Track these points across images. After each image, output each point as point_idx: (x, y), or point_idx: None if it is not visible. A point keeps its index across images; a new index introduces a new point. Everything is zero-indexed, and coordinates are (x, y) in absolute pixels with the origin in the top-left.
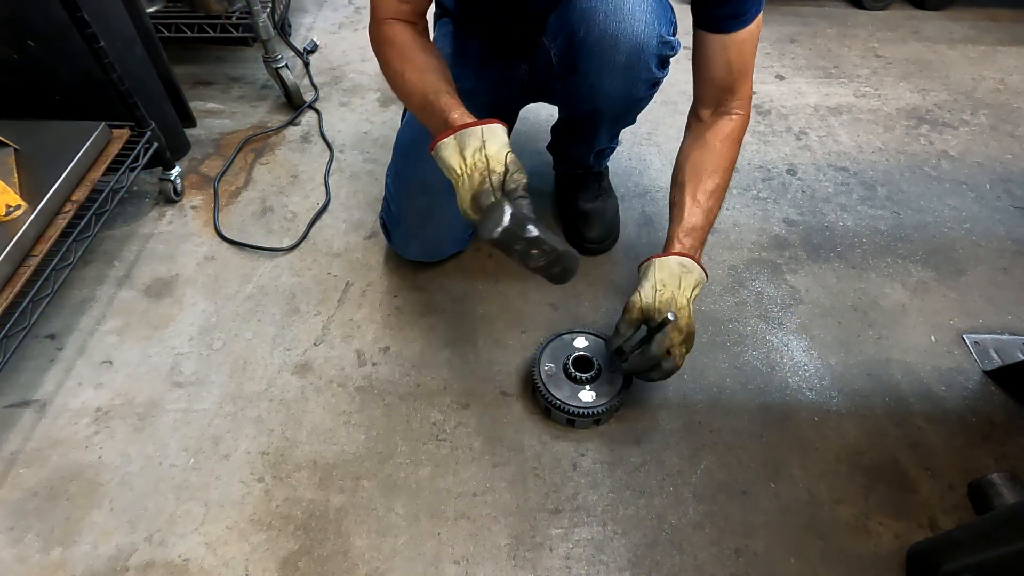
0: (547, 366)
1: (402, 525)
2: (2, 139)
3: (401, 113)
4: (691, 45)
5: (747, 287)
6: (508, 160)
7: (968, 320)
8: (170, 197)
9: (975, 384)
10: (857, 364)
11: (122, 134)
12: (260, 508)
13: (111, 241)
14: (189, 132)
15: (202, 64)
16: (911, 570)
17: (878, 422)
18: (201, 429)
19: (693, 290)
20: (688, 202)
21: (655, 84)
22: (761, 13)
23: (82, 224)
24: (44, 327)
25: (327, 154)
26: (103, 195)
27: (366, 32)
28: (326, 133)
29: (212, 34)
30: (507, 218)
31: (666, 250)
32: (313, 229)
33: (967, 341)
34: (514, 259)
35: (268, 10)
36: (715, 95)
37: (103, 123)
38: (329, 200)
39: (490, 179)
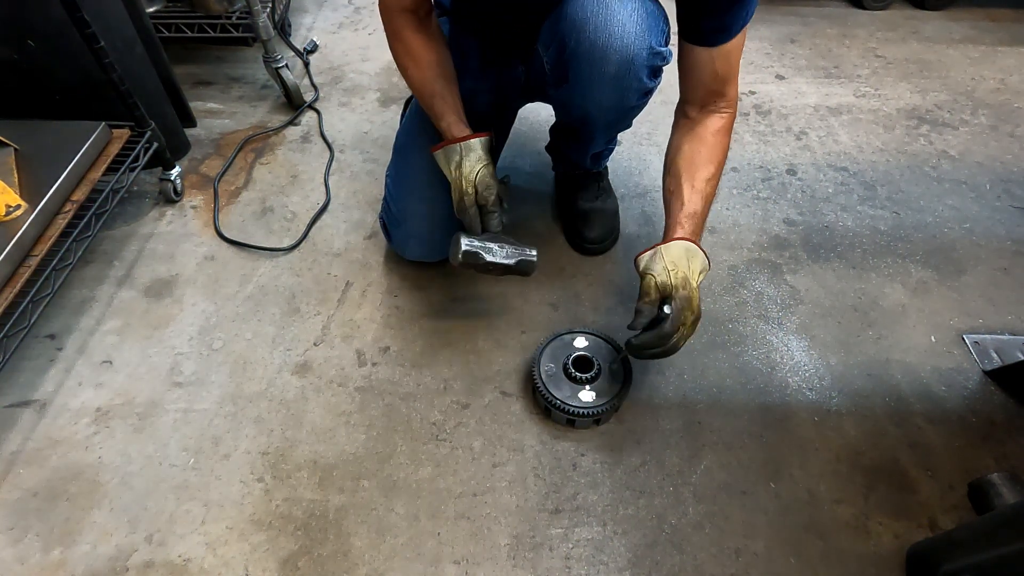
0: (547, 366)
1: (402, 525)
2: (2, 139)
3: (401, 113)
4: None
5: (747, 287)
6: (478, 179)
7: (968, 320)
8: (170, 197)
9: (975, 384)
10: (857, 364)
11: (122, 134)
12: (260, 508)
13: (111, 241)
14: (189, 132)
15: (202, 64)
16: (911, 570)
17: (878, 422)
18: (201, 429)
19: (700, 274)
20: (687, 189)
21: (647, 93)
22: (748, 24)
23: (82, 224)
24: (44, 327)
25: (327, 154)
26: (103, 195)
27: (366, 32)
28: (326, 133)
29: (212, 34)
30: (460, 255)
31: (668, 236)
32: (313, 229)
33: (967, 341)
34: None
35: (268, 10)
36: (702, 97)
37: (103, 123)
38: (329, 200)
39: (464, 197)
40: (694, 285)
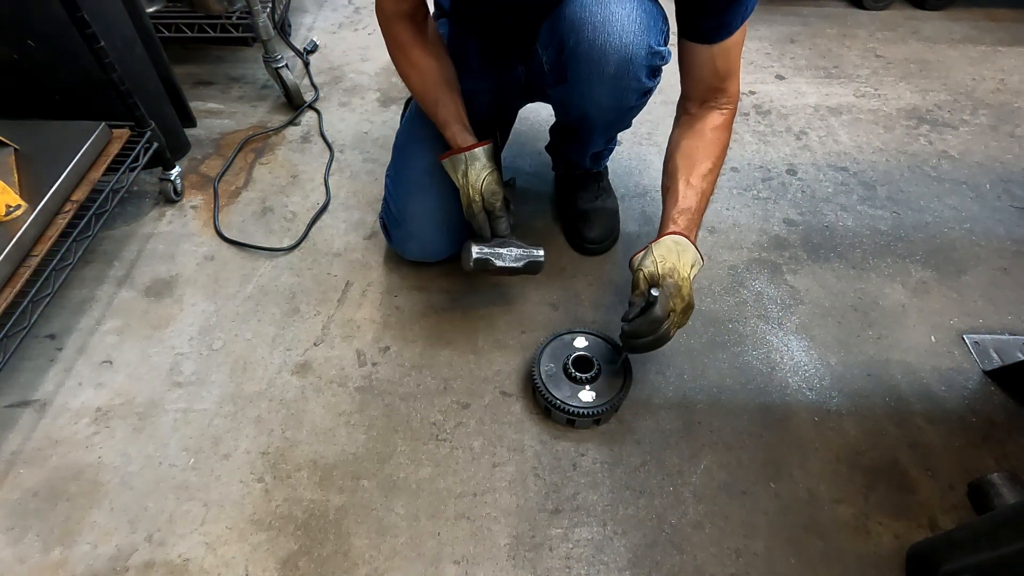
0: (547, 366)
1: (402, 525)
2: (2, 139)
3: (401, 113)
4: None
5: (747, 287)
6: (484, 186)
7: (968, 320)
8: (170, 197)
9: (975, 384)
10: (857, 364)
11: (122, 134)
12: (260, 508)
13: (111, 241)
14: (189, 132)
15: (202, 64)
16: (911, 570)
17: (878, 422)
18: (201, 429)
19: (692, 267)
20: (682, 186)
21: (646, 93)
22: (747, 20)
23: (82, 224)
24: (44, 327)
25: (327, 154)
26: (103, 195)
27: (366, 32)
28: (326, 133)
29: (212, 34)
30: (472, 263)
31: (660, 233)
32: (313, 229)
33: (967, 341)
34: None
35: (268, 10)
36: (703, 94)
37: (103, 123)
38: (329, 200)
39: (471, 204)
40: (683, 275)
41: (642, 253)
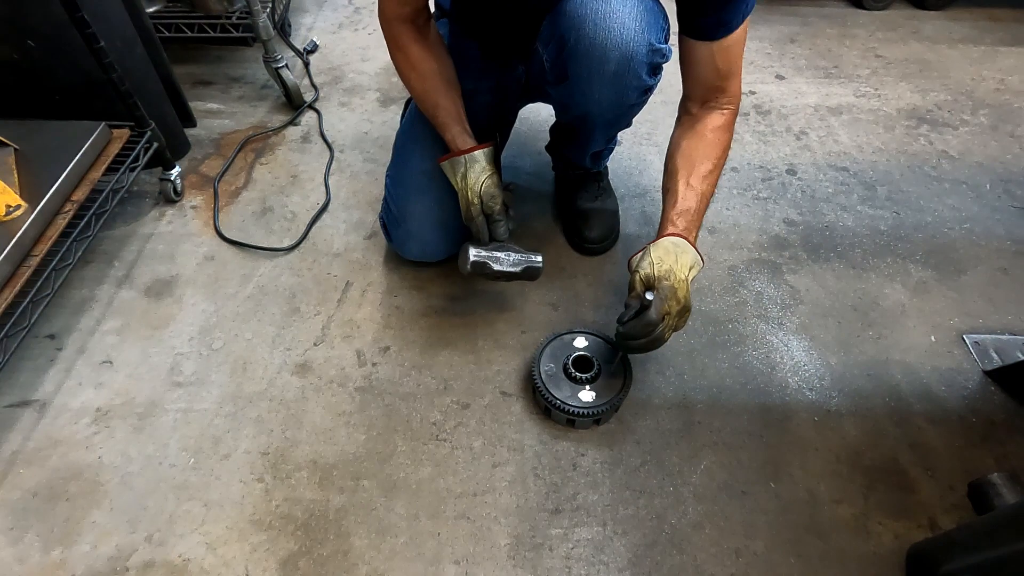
0: (547, 366)
1: (402, 525)
2: (2, 139)
3: (401, 113)
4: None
5: (747, 287)
6: (483, 190)
7: (968, 320)
8: (170, 197)
9: (975, 384)
10: (857, 364)
11: (122, 134)
12: (260, 508)
13: (111, 241)
14: (189, 132)
15: (202, 64)
16: (911, 570)
17: (878, 422)
18: (201, 429)
19: (690, 269)
20: (681, 187)
21: (647, 91)
22: (748, 18)
23: (82, 224)
24: (44, 327)
25: (327, 154)
26: (103, 195)
27: (366, 32)
28: (326, 133)
29: (212, 34)
30: (469, 266)
31: (659, 234)
32: (313, 229)
33: (967, 341)
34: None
35: (268, 10)
36: (704, 94)
37: (103, 123)
38: (329, 200)
39: (470, 208)
40: (680, 277)
41: (640, 254)
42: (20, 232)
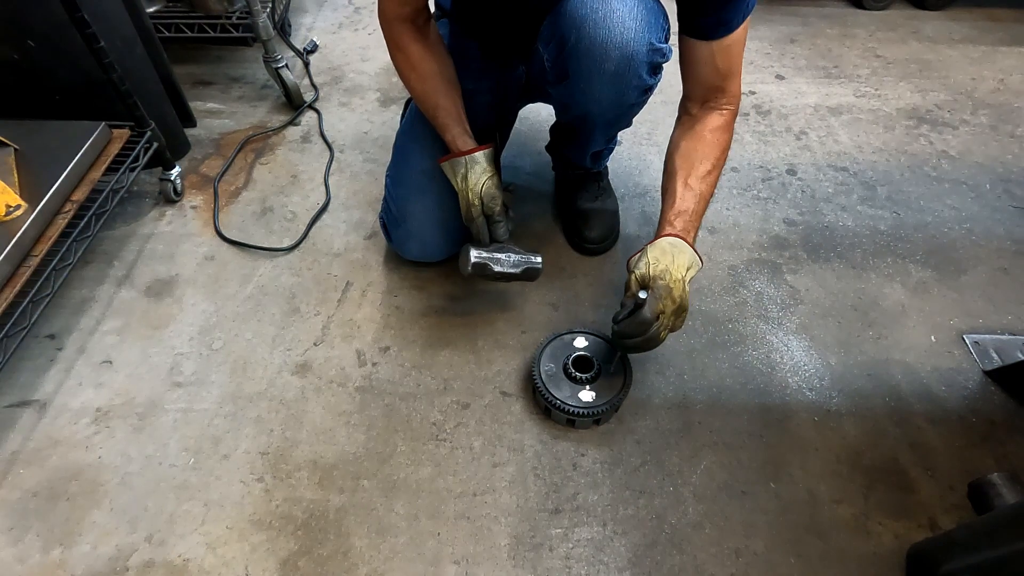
0: (547, 366)
1: (402, 525)
2: (2, 139)
3: (401, 113)
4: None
5: (747, 287)
6: (483, 191)
7: (968, 320)
8: (170, 197)
9: (975, 384)
10: (857, 364)
11: (122, 134)
12: (260, 508)
13: (111, 241)
14: (189, 132)
15: (202, 64)
16: (911, 570)
17: (878, 422)
18: (201, 429)
19: (688, 269)
20: (680, 187)
21: (647, 90)
22: (748, 18)
23: (82, 224)
24: (44, 327)
25: (327, 154)
26: (103, 195)
27: (366, 32)
28: (326, 133)
29: (212, 34)
30: (470, 267)
31: (657, 235)
32: (313, 229)
33: (967, 341)
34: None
35: (268, 10)
36: (703, 94)
37: (103, 123)
38: (329, 200)
39: (470, 208)
40: (677, 277)
41: (638, 255)
42: (20, 232)
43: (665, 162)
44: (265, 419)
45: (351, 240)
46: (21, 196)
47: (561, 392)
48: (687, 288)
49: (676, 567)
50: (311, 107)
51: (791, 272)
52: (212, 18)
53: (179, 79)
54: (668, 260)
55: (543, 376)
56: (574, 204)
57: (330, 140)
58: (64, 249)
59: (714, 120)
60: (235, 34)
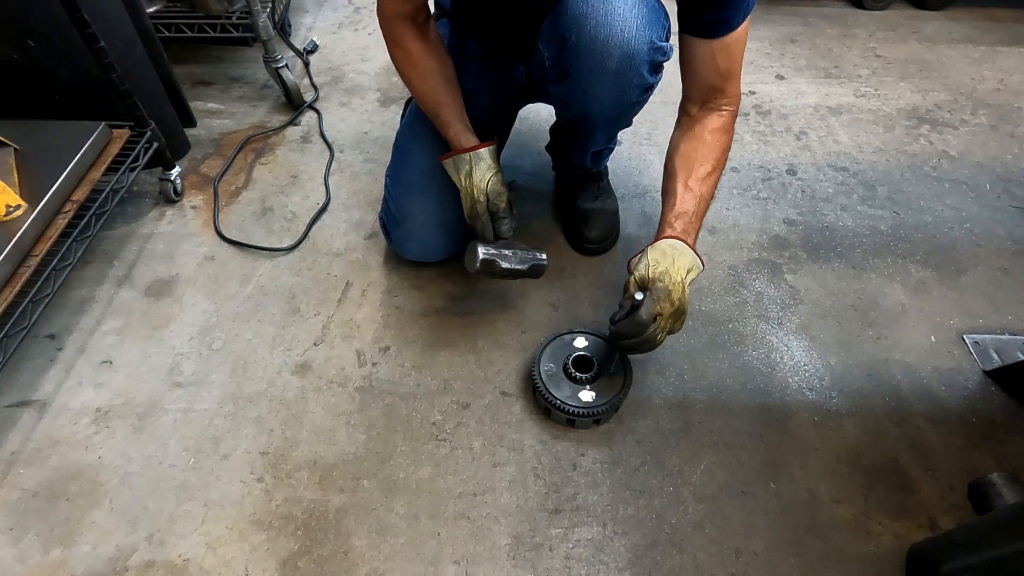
0: (547, 366)
1: (402, 525)
2: (2, 139)
3: (401, 113)
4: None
5: (747, 287)
6: (489, 187)
7: (968, 320)
8: (170, 197)
9: (975, 384)
10: (857, 364)
11: (122, 134)
12: (260, 508)
13: (111, 241)
14: (189, 132)
15: (202, 64)
16: (911, 570)
17: (878, 422)
18: (201, 429)
19: (688, 272)
20: (680, 189)
21: (648, 89)
22: (749, 17)
23: (82, 224)
24: (44, 327)
25: (327, 154)
26: (103, 195)
27: (366, 32)
28: (326, 133)
29: (212, 34)
30: (478, 263)
31: (657, 236)
32: (313, 229)
33: (967, 341)
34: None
35: (268, 10)
36: (703, 94)
37: (103, 123)
38: (329, 200)
39: (475, 205)
40: (676, 279)
41: (638, 256)
42: (20, 232)
43: (665, 164)
44: (265, 419)
45: (351, 240)
46: (21, 196)
47: (561, 392)
48: (687, 291)
49: (676, 567)
50: (311, 107)
51: (791, 272)
52: (212, 18)
53: (179, 79)
54: (668, 262)
55: (543, 376)
56: (574, 204)
57: (330, 140)
58: (64, 249)
59: (714, 121)
60: (235, 34)
